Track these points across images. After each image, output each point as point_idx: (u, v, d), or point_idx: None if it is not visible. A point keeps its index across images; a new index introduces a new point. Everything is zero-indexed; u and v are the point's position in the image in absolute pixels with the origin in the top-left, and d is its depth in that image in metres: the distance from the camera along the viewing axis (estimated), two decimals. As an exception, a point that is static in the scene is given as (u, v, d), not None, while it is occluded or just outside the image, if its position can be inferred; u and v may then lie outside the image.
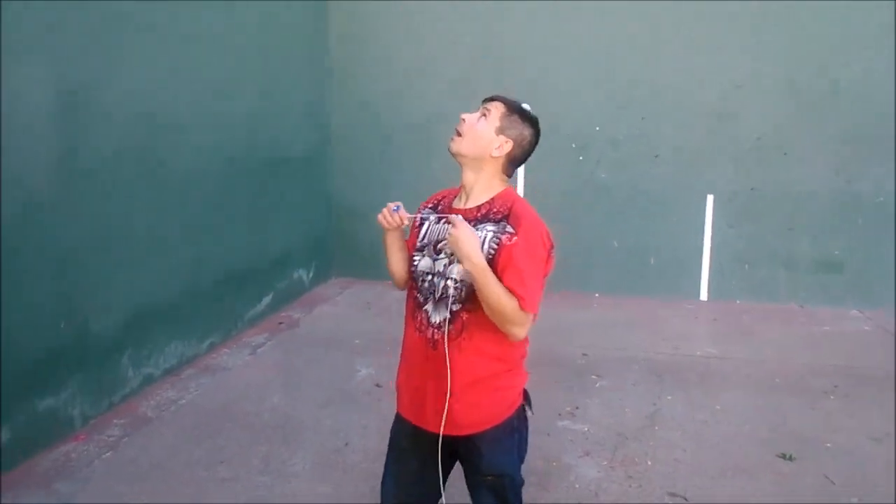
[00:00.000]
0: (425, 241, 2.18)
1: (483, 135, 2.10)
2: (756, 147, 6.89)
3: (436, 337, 2.08)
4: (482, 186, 2.13)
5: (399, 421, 2.29)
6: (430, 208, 2.26)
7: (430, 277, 2.11)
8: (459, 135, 2.13)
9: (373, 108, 7.61)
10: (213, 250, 5.36)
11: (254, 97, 5.96)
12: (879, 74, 6.56)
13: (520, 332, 2.01)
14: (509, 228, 2.01)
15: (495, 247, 1.99)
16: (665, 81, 6.97)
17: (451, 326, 2.06)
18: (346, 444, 3.88)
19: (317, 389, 4.66)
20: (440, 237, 2.13)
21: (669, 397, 4.61)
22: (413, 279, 2.19)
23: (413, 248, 2.21)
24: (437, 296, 2.08)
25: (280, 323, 6.18)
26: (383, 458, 3.68)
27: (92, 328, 4.09)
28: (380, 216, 2.23)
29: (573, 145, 7.17)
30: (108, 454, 3.75)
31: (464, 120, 2.15)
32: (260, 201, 6.12)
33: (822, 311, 6.71)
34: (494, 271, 1.96)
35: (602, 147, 7.17)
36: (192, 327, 5.12)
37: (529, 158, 2.23)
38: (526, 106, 2.17)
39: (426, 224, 2.22)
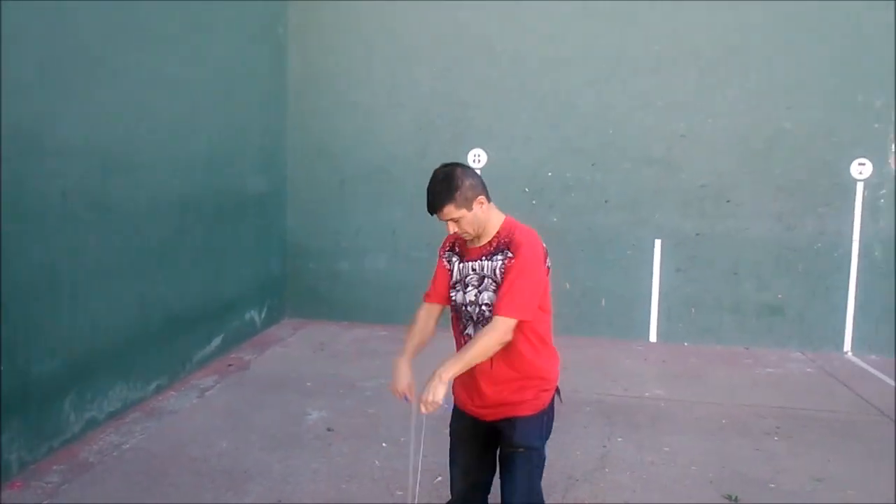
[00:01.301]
0: (457, 279, 2.63)
1: (473, 220, 2.52)
2: (700, 194, 7.14)
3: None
4: (489, 229, 2.59)
5: (458, 415, 2.76)
6: (450, 251, 2.70)
7: (465, 307, 2.59)
8: (463, 231, 2.56)
9: (329, 151, 7.68)
10: (162, 291, 5.27)
11: (210, 137, 5.95)
12: (816, 126, 6.91)
13: (505, 336, 2.45)
14: (510, 254, 2.50)
15: (503, 270, 2.49)
16: (614, 129, 7.21)
17: None
18: (295, 489, 3.81)
19: (265, 433, 4.58)
20: (465, 274, 2.60)
21: (619, 439, 4.67)
22: (454, 310, 2.67)
23: (448, 284, 2.66)
24: (475, 319, 2.57)
25: (230, 365, 6.07)
26: (333, 504, 3.63)
27: (33, 370, 3.96)
28: (393, 390, 2.64)
29: (526, 189, 7.32)
30: (46, 502, 3.60)
31: (456, 232, 2.57)
32: (213, 241, 6.07)
33: (766, 353, 6.91)
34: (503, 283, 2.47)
35: (554, 192, 7.34)
36: (138, 369, 4.99)
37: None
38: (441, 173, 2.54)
39: (452, 267, 2.66)
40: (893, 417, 5.17)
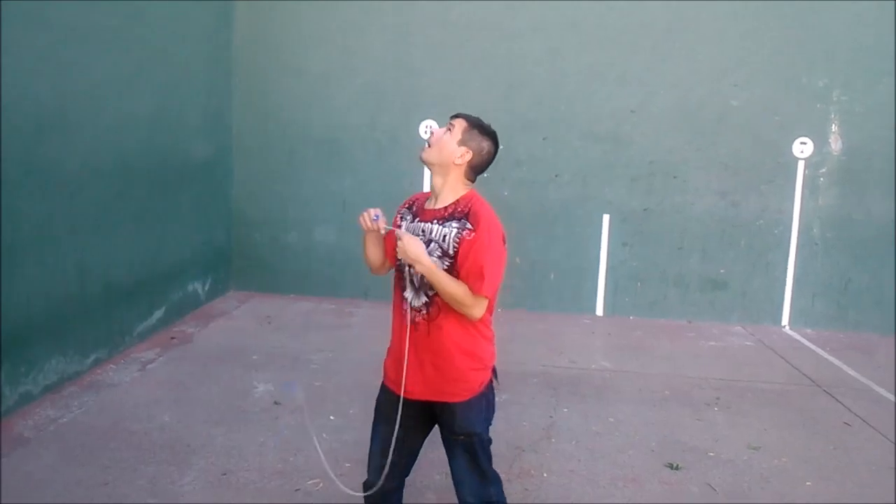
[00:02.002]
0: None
1: (447, 145, 2.48)
2: (649, 171, 7.23)
3: (416, 318, 2.47)
4: (448, 190, 2.50)
5: (385, 391, 2.63)
6: (407, 209, 2.63)
7: (407, 268, 2.47)
8: (429, 146, 2.51)
9: (278, 117, 7.49)
10: (100, 259, 5.08)
11: (152, 98, 5.72)
12: (761, 104, 7.05)
13: (475, 311, 2.39)
14: (469, 226, 2.39)
15: (458, 241, 2.38)
16: (565, 105, 7.23)
17: (430, 309, 2.45)
18: (240, 463, 3.75)
19: (210, 407, 4.48)
20: (414, 233, 2.47)
21: (565, 410, 4.73)
22: (397, 269, 2.57)
23: (392, 242, 2.53)
24: (415, 283, 2.47)
25: (172, 338, 5.92)
26: (279, 478, 3.61)
27: (-40, 342, 3.78)
28: (360, 219, 2.57)
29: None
30: (-26, 479, 3.46)
31: (433, 133, 2.55)
32: (154, 208, 5.86)
33: (708, 327, 7.10)
34: (456, 261, 2.37)
35: (506, 166, 7.31)
36: (75, 341, 4.81)
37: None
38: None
39: (404, 225, 2.57)
40: (826, 388, 5.38)
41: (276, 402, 4.60)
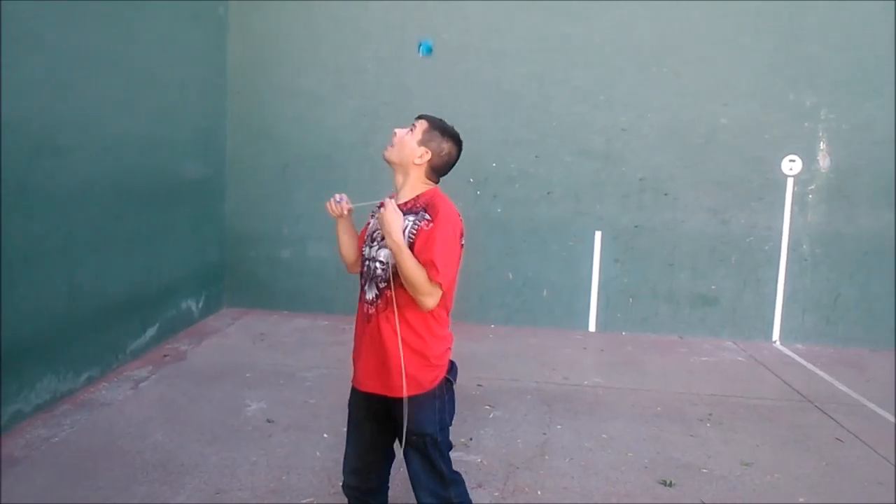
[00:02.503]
0: (369, 232, 2.60)
1: (407, 145, 2.53)
2: (639, 187, 7.30)
3: (369, 311, 2.51)
4: (408, 188, 2.56)
5: (353, 393, 2.64)
6: (378, 207, 2.62)
7: (367, 262, 2.54)
8: (392, 145, 2.56)
9: (272, 136, 7.53)
10: (93, 278, 5.08)
11: (144, 119, 5.74)
12: (750, 122, 7.14)
13: (429, 301, 2.38)
14: (427, 216, 2.43)
15: (415, 231, 2.41)
16: (557, 122, 7.29)
17: (379, 301, 2.48)
18: (233, 482, 3.74)
19: (203, 426, 4.47)
20: (374, 229, 2.56)
21: (559, 426, 4.74)
22: (362, 266, 2.60)
23: (363, 239, 2.63)
24: (371, 276, 2.51)
25: (165, 356, 5.91)
26: (272, 497, 3.61)
27: (-48, 362, 3.77)
28: (327, 205, 2.65)
29: (471, 180, 7.34)
30: (-35, 500, 3.44)
31: (395, 133, 2.58)
32: (147, 227, 5.87)
33: (699, 342, 7.13)
34: (413, 251, 2.37)
35: (498, 183, 7.38)
36: (67, 360, 4.80)
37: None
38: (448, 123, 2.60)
39: (372, 222, 2.62)
40: (818, 404, 5.41)
41: (268, 420, 4.59)
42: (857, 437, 4.77)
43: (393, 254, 2.38)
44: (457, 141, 2.60)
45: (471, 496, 2.72)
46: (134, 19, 5.48)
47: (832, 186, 7.13)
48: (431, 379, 2.51)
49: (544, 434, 4.60)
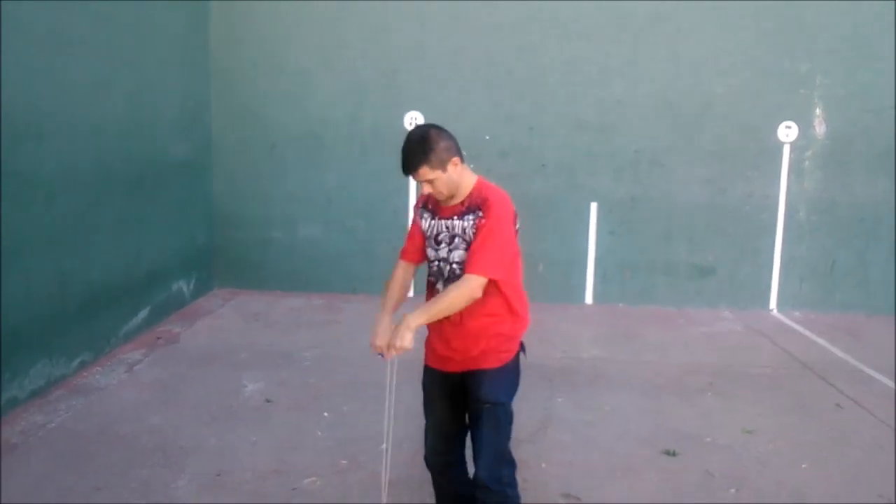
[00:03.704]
0: (429, 235, 2.67)
1: (448, 182, 2.52)
2: (635, 159, 7.23)
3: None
4: (462, 190, 2.59)
5: (428, 372, 2.77)
6: (423, 207, 2.72)
7: (437, 263, 2.63)
8: (441, 194, 2.55)
9: (257, 113, 7.39)
10: (82, 263, 4.98)
11: (125, 101, 5.60)
12: (745, 92, 7.07)
13: (475, 293, 2.46)
14: (480, 213, 2.52)
15: (475, 230, 2.51)
16: (550, 95, 7.19)
17: None
18: (234, 463, 3.69)
19: (200, 407, 4.41)
20: (437, 231, 2.63)
21: (560, 400, 4.71)
22: (428, 265, 2.70)
23: (423, 241, 2.70)
24: (446, 276, 2.59)
25: (158, 338, 5.83)
26: (275, 477, 3.57)
27: (-59, 349, 3.68)
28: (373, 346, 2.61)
29: (464, 154, 7.22)
30: (-39, 488, 3.37)
31: (430, 194, 2.60)
32: (135, 209, 5.76)
33: (697, 313, 7.12)
34: (472, 246, 2.50)
35: (492, 157, 7.28)
36: (60, 345, 4.72)
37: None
38: (415, 128, 2.59)
39: (424, 223, 2.69)
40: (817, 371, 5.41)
41: (267, 401, 4.54)
42: (856, 402, 4.78)
43: (432, 317, 2.48)
44: (426, 133, 2.52)
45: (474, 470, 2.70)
46: (108, 1, 5.30)
47: (828, 153, 7.09)
48: (511, 353, 2.64)
49: (546, 408, 4.57)
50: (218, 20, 7.29)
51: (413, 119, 7.22)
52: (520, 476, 3.58)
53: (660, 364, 5.53)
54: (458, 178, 2.53)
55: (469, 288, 2.45)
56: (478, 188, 2.58)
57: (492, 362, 2.59)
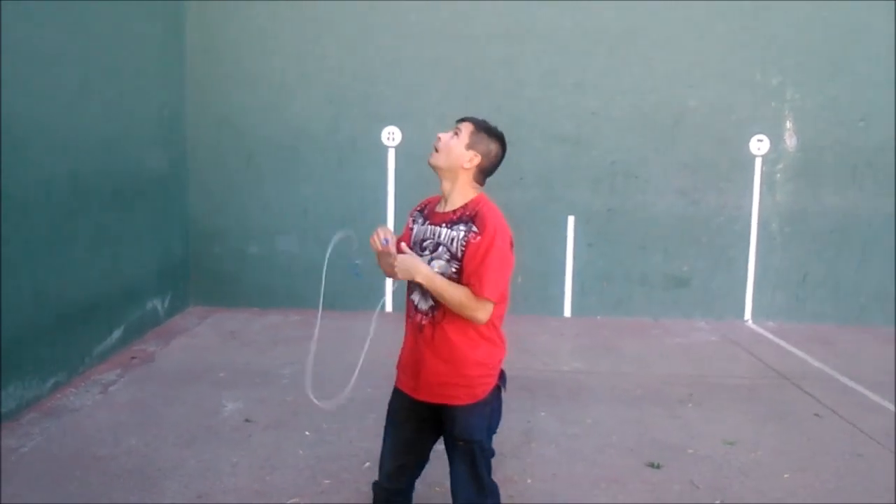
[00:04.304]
0: (415, 240, 2.55)
1: (455, 150, 2.46)
2: (610, 171, 7.30)
3: (423, 322, 2.49)
4: (457, 194, 2.49)
5: (397, 395, 2.64)
6: (419, 212, 2.63)
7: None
8: (437, 150, 2.49)
9: (233, 125, 7.32)
10: (54, 280, 4.86)
11: (101, 112, 5.51)
12: (718, 105, 7.18)
13: (480, 315, 2.37)
14: (475, 228, 2.38)
15: (465, 244, 2.38)
16: (526, 107, 7.24)
17: (435, 313, 2.45)
18: (216, 485, 3.61)
19: (178, 428, 4.32)
20: (424, 237, 2.50)
21: (542, 413, 4.71)
22: None
23: (409, 246, 2.56)
24: (423, 288, 2.42)
25: (133, 357, 5.72)
26: (257, 498, 3.50)
27: None
28: (371, 240, 2.49)
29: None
30: (-70, 517, 3.26)
31: (439, 138, 2.51)
32: (108, 226, 5.65)
33: (673, 324, 7.18)
34: (463, 263, 2.37)
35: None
36: (32, 366, 4.59)
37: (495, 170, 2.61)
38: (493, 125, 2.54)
39: (415, 228, 2.58)
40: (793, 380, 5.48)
41: (247, 420, 4.47)
42: (833, 411, 4.84)
43: (429, 288, 2.37)
44: (502, 141, 2.54)
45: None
46: (80, 11, 5.21)
47: (799, 165, 7.23)
48: (486, 387, 2.50)
49: (528, 421, 4.56)
50: (193, 31, 7.22)
51: (391, 134, 7.21)
52: (505, 492, 3.57)
53: (639, 375, 5.56)
54: (457, 158, 2.44)
55: (474, 309, 2.36)
56: (475, 202, 2.47)
57: (463, 398, 2.46)
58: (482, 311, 2.37)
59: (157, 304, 6.67)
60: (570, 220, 7.34)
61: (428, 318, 2.48)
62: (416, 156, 7.05)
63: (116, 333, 5.79)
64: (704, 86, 7.18)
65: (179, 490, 3.54)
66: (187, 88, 7.24)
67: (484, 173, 2.52)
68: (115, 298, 5.79)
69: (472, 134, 2.47)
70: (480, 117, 2.54)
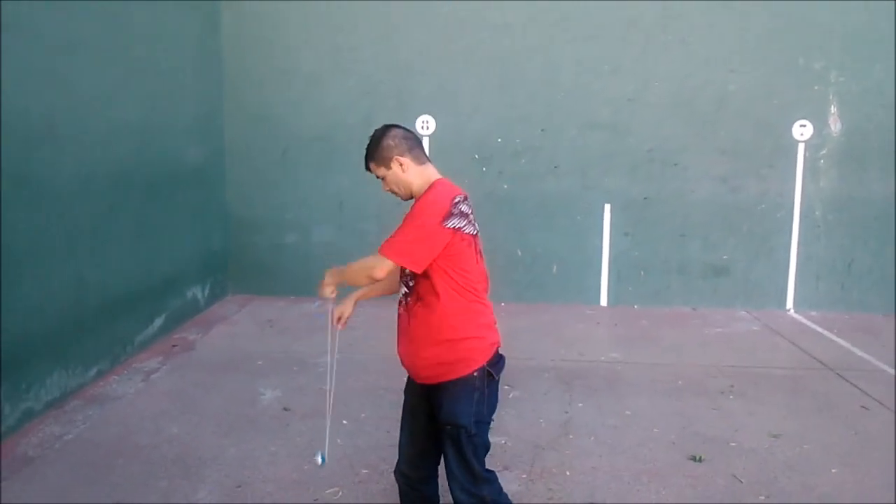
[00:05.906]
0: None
1: (403, 180, 2.52)
2: (648, 158, 7.17)
3: (400, 311, 2.59)
4: (415, 190, 2.55)
5: (409, 380, 2.69)
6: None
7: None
8: (397, 193, 2.57)
9: (269, 119, 7.36)
10: (97, 270, 4.95)
11: (141, 106, 5.59)
12: (759, 88, 7.00)
13: (376, 272, 2.37)
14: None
15: None
16: (562, 95, 7.14)
17: (408, 299, 2.53)
18: (255, 474, 3.65)
19: (218, 417, 4.37)
20: None
21: (580, 404, 4.66)
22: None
23: None
24: (401, 275, 2.56)
25: (174, 346, 5.80)
26: (296, 488, 3.52)
27: (-41, 361, 3.65)
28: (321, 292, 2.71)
29: (476, 156, 7.20)
30: (-19, 502, 3.35)
31: (389, 191, 2.58)
32: (149, 217, 5.73)
33: (713, 313, 7.05)
34: None
35: (504, 158, 7.24)
36: (76, 354, 4.69)
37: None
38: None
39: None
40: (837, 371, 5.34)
41: (285, 409, 4.50)
42: (881, 403, 4.71)
43: (342, 280, 2.55)
44: (382, 132, 2.53)
45: (501, 484, 2.63)
46: (120, 8, 5.27)
47: (843, 151, 7.02)
48: (466, 362, 2.46)
49: (566, 412, 4.51)
50: (229, 27, 7.26)
51: (425, 123, 7.18)
52: (544, 485, 3.56)
53: (679, 366, 5.47)
54: (405, 177, 2.50)
55: (368, 263, 2.39)
56: (428, 188, 2.48)
57: (445, 374, 2.46)
58: (372, 266, 2.38)
59: (198, 292, 6.76)
60: (607, 208, 7.23)
61: (403, 306, 2.56)
62: (451, 143, 7.03)
63: (158, 322, 5.89)
64: (745, 70, 7.00)
65: (219, 479, 3.58)
66: (224, 84, 7.30)
67: (413, 154, 2.51)
68: (155, 288, 5.88)
69: (377, 163, 2.52)
70: (363, 153, 2.56)
